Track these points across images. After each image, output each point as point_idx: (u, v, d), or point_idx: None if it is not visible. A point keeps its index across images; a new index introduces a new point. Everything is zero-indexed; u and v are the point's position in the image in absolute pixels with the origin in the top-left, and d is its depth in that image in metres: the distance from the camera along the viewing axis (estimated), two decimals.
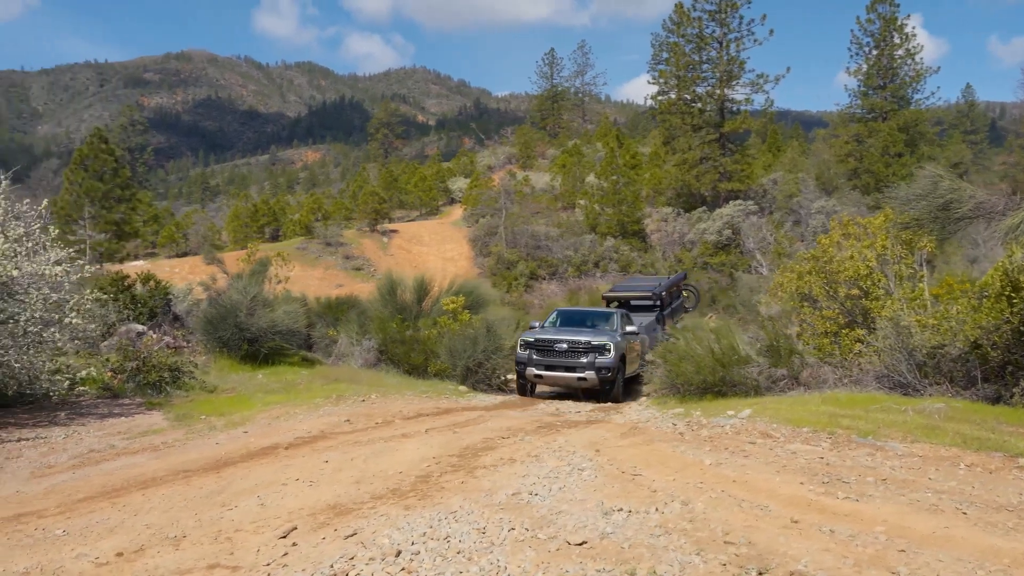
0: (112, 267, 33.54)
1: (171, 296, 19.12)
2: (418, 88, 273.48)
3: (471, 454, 6.82)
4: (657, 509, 4.81)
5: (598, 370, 13.11)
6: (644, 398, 13.68)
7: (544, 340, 13.64)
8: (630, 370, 14.43)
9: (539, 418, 9.86)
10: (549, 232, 46.83)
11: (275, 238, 60.01)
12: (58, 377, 10.70)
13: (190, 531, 4.71)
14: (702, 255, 43.14)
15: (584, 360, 13.19)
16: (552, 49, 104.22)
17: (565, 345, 13.39)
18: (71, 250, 10.46)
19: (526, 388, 14.16)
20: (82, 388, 11.62)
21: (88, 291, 10.66)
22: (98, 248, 34.83)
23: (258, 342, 16.22)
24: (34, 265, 9.35)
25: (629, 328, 14.58)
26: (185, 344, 17.51)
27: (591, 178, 52.52)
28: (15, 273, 8.55)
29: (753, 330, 14.41)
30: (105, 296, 17.14)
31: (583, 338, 13.43)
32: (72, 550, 4.40)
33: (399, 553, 3.97)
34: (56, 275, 9.98)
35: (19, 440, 8.03)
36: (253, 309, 16.97)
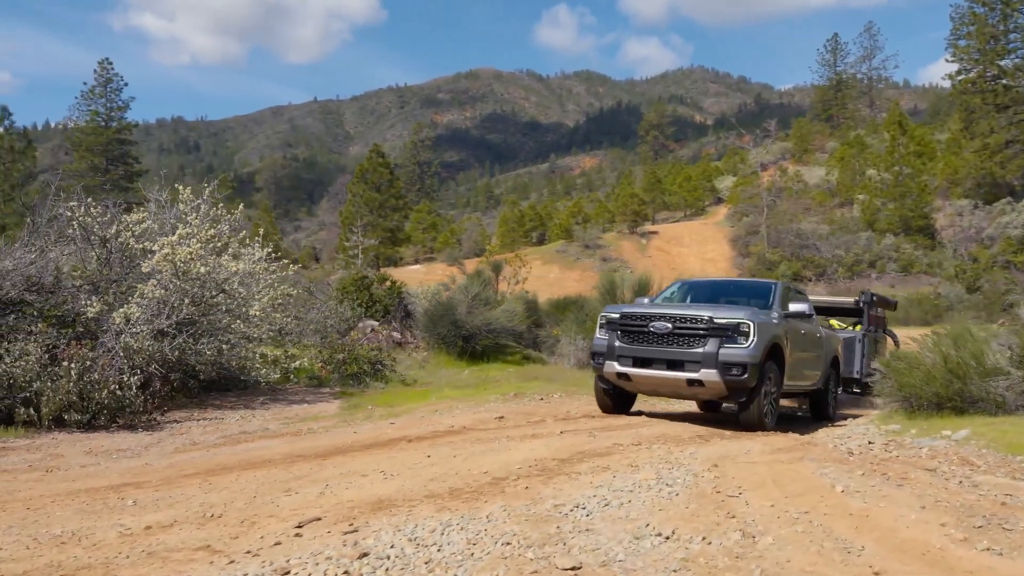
0: (389, 270, 36.65)
1: (405, 295, 20.26)
2: (696, 88, 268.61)
3: (576, 459, 6.25)
4: (705, 538, 3.97)
5: (724, 367, 8.17)
6: (873, 412, 11.90)
7: (635, 317, 8.87)
8: (798, 381, 9.70)
9: (707, 428, 8.93)
10: (818, 230, 43.38)
11: (541, 242, 61.95)
12: (259, 365, 11.64)
13: (229, 512, 4.74)
14: (1003, 252, 37.32)
15: (699, 350, 8.27)
16: (835, 35, 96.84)
17: (668, 324, 8.48)
18: (268, 250, 11.45)
19: (609, 396, 9.43)
20: (294, 377, 12.62)
21: (281, 288, 11.51)
22: (371, 252, 38.15)
23: (473, 339, 16.67)
24: (235, 264, 10.28)
25: (796, 307, 9.40)
26: (411, 340, 18.49)
27: (872, 171, 47.83)
28: (203, 270, 9.43)
29: (1004, 335, 11.97)
30: (345, 295, 18.65)
31: (702, 313, 8.50)
32: (117, 520, 4.60)
33: (364, 555, 3.62)
34: (257, 272, 10.92)
35: (199, 420, 8.84)
36: (472, 308, 17.48)
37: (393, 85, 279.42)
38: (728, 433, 8.40)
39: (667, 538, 3.97)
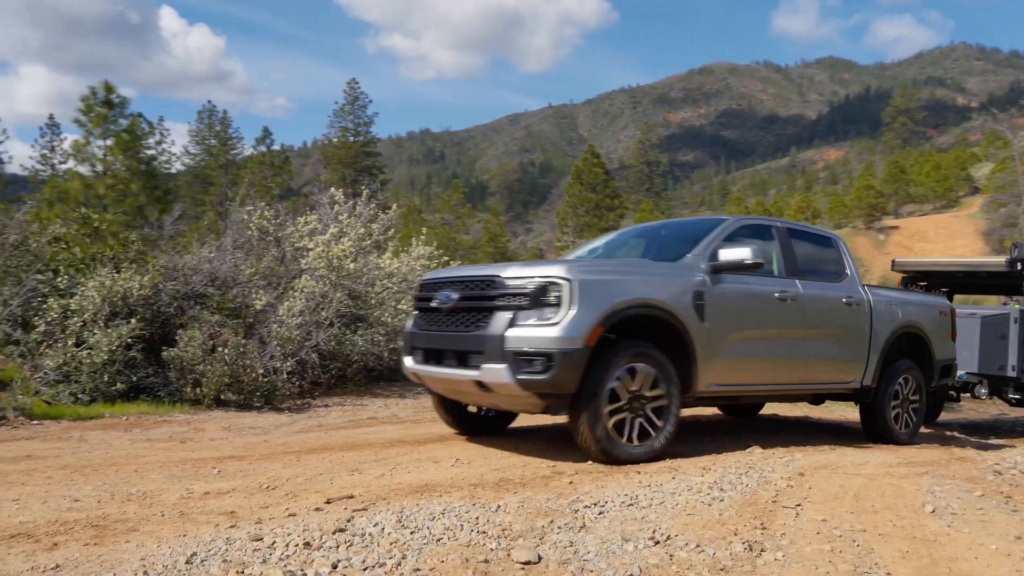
0: None
1: None
2: (957, 67, 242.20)
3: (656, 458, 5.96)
4: (699, 547, 3.63)
5: (515, 360, 5.21)
6: None
7: (425, 287, 6.42)
8: (757, 378, 6.59)
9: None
10: None
11: None
12: None
13: (284, 486, 5.05)
14: None
15: (480, 332, 5.46)
16: None
17: (453, 295, 5.77)
18: (431, 249, 11.97)
19: (445, 407, 6.94)
20: None
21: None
22: None
23: None
24: (392, 261, 10.91)
25: (733, 253, 6.09)
26: None
27: None
28: (352, 267, 10.09)
29: None
30: None
31: (489, 272, 5.73)
32: (189, 485, 5.07)
33: (340, 531, 3.71)
34: (416, 270, 11.48)
35: (345, 405, 9.48)
36: None
37: (625, 86, 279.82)
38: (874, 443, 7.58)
39: (657, 543, 3.67)
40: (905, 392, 7.91)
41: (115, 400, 8.46)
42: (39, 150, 48.56)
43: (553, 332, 5.18)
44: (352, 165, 70.21)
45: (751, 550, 3.63)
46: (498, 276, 5.62)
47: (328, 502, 4.51)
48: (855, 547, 3.76)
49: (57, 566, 3.24)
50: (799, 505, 4.49)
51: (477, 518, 4.01)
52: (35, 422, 7.60)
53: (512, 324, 5.32)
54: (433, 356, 6.04)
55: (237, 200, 11.51)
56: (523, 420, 7.82)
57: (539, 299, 5.31)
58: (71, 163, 34.37)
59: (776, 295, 6.65)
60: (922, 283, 12.24)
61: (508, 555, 3.45)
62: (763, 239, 7.00)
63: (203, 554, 3.38)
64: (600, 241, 8.03)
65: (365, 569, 3.24)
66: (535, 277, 5.41)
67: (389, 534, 3.72)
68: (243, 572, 3.16)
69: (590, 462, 5.67)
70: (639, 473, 5.31)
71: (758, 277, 6.59)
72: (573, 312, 5.22)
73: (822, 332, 7.11)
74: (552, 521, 3.98)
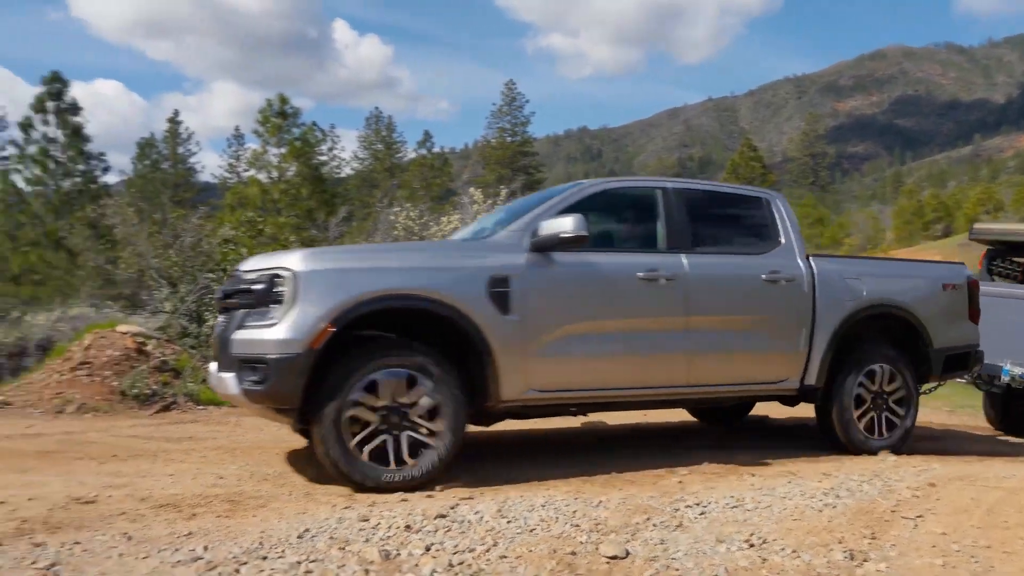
0: None
1: None
2: None
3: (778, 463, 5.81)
4: (797, 553, 3.54)
5: (241, 368, 4.55)
6: None
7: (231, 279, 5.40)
8: (599, 381, 5.35)
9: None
10: None
11: (947, 234, 55.05)
12: None
13: None
14: None
15: (223, 336, 4.84)
16: None
17: (222, 292, 5.16)
18: None
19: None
20: None
21: None
22: None
23: None
24: None
25: (553, 226, 4.99)
26: None
27: None
28: None
29: None
30: None
31: (247, 264, 5.17)
32: (322, 469, 5.46)
33: (441, 516, 3.92)
34: None
35: None
36: None
37: (790, 75, 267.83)
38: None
39: (752, 546, 3.62)
40: (877, 389, 6.23)
41: None
42: (226, 159, 53.05)
43: (269, 334, 4.45)
44: (509, 165, 71.46)
45: (852, 559, 3.51)
46: (238, 270, 5.08)
47: (440, 490, 4.74)
48: (972, 563, 3.54)
49: (190, 533, 3.63)
50: (920, 516, 4.27)
51: (575, 512, 4.11)
52: (200, 407, 8.42)
53: (241, 326, 4.66)
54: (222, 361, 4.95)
55: (385, 201, 12.14)
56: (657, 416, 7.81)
57: (266, 295, 4.58)
58: (251, 171, 37.29)
59: (641, 275, 5.34)
60: (1018, 258, 9.75)
61: (596, 549, 3.53)
62: (635, 207, 5.92)
63: (315, 530, 3.68)
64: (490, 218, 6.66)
65: (455, 552, 3.42)
66: (264, 269, 4.73)
67: (487, 522, 3.89)
68: (344, 548, 3.42)
69: (706, 463, 5.62)
70: (753, 476, 5.21)
71: (616, 255, 5.52)
72: (296, 310, 4.44)
73: (724, 319, 5.67)
74: (649, 519, 4.01)
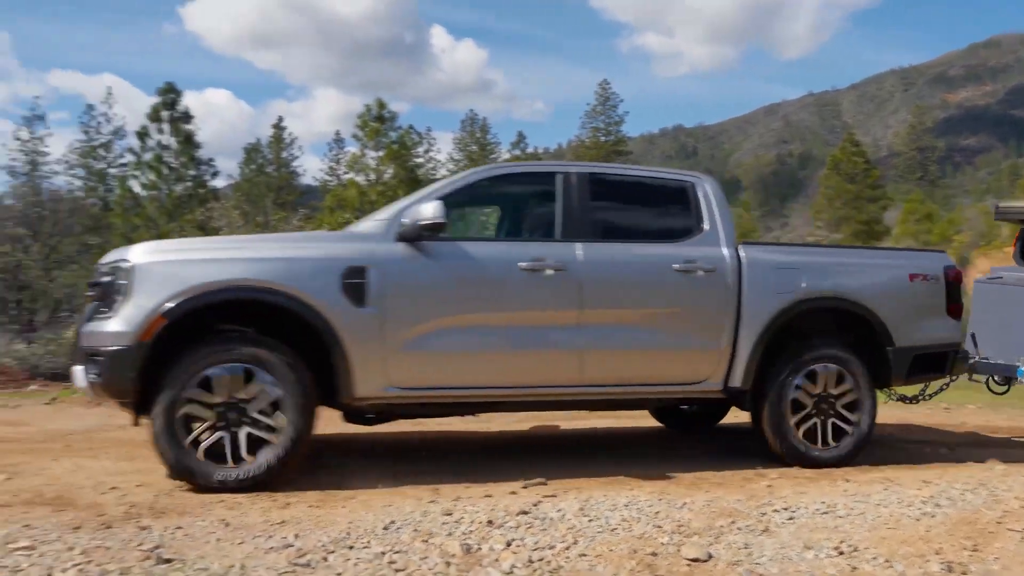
0: None
1: None
2: None
3: (875, 468, 5.59)
4: (889, 562, 3.41)
5: (87, 361, 4.45)
6: None
7: None
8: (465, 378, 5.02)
9: None
10: None
11: None
12: None
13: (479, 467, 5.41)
14: None
15: (81, 329, 4.71)
16: None
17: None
18: None
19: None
20: None
21: None
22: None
23: None
24: None
25: (413, 215, 4.83)
26: None
27: None
28: None
29: None
30: None
31: (103, 259, 5.08)
32: (401, 464, 5.60)
33: (523, 513, 3.95)
34: None
35: None
36: None
37: (895, 67, 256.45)
38: None
39: (841, 554, 3.51)
40: (820, 392, 5.57)
41: None
42: (326, 163, 54.77)
43: (105, 327, 4.40)
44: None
45: (950, 571, 3.35)
46: (99, 262, 5.01)
47: (525, 487, 4.78)
48: None
49: (283, 521, 3.79)
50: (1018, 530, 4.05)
51: (658, 512, 4.08)
52: None
53: (89, 319, 4.60)
54: None
55: None
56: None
57: (109, 288, 4.49)
58: (350, 173, 38.38)
59: (523, 266, 4.98)
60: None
61: (678, 551, 3.49)
62: (532, 193, 5.73)
63: (400, 522, 3.78)
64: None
65: (536, 549, 3.45)
66: (111, 262, 4.66)
67: (568, 520, 3.90)
68: (427, 541, 3.50)
69: (796, 467, 5.47)
70: (847, 481, 5.03)
71: (499, 244, 5.47)
72: (131, 302, 4.37)
73: (625, 313, 5.22)
74: (733, 522, 3.94)
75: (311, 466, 5.07)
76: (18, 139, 23.35)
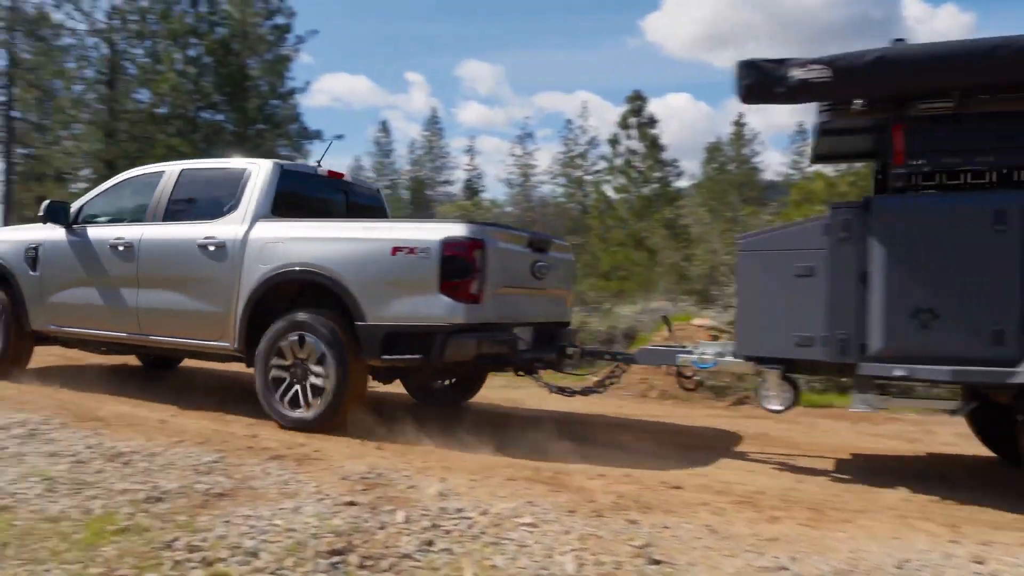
0: None
1: None
2: None
3: None
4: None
5: None
6: None
7: None
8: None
9: None
10: None
11: None
12: None
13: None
14: None
15: None
16: None
17: None
18: None
19: None
20: None
21: None
22: None
23: None
24: None
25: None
26: None
27: None
28: None
29: None
30: None
31: None
32: (912, 486, 4.86)
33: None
34: None
35: None
36: None
37: None
38: None
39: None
40: (297, 361, 5.63)
41: (845, 392, 8.64)
42: (789, 156, 52.90)
43: None
44: None
45: None
46: None
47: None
48: None
49: (774, 538, 3.46)
50: None
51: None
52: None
53: None
54: None
55: None
56: None
57: None
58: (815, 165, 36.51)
59: (111, 243, 6.66)
60: None
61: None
62: (143, 188, 6.91)
63: (916, 563, 3.18)
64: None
65: None
66: None
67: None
68: None
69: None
70: None
71: (107, 228, 6.82)
72: None
73: (162, 280, 6.39)
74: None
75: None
76: (513, 155, 26.70)
